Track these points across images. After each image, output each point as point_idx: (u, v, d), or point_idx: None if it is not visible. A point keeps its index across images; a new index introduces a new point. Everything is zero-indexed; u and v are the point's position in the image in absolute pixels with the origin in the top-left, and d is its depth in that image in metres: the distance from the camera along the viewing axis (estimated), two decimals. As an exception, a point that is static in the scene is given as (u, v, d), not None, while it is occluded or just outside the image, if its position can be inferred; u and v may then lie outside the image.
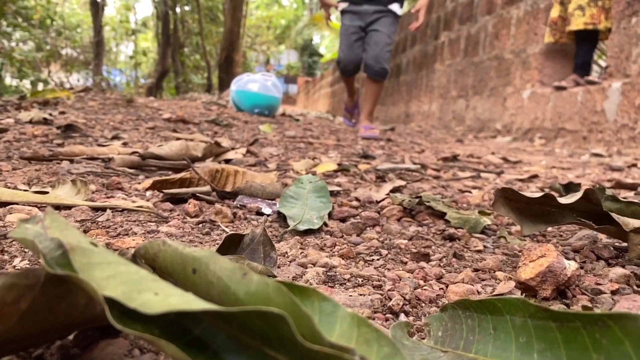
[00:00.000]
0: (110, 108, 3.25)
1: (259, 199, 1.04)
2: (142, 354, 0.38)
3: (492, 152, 2.73)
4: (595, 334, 0.29)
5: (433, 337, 0.41)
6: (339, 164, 1.67)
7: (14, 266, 0.60)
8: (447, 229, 0.89)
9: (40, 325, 0.32)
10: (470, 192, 1.38)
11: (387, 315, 0.52)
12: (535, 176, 1.74)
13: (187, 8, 15.92)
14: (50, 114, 2.47)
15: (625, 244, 0.78)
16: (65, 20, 15.76)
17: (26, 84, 10.02)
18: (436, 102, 5.92)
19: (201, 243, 0.75)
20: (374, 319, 0.51)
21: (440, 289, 0.60)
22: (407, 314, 0.53)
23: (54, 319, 0.33)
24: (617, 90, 3.07)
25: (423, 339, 0.45)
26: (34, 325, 0.32)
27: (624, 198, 0.77)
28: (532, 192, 1.11)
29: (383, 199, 1.13)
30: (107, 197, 1.01)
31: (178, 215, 0.90)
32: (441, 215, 0.98)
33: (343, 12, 3.56)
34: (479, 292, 0.59)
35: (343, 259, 0.70)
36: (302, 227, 0.83)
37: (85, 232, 0.76)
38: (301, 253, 0.72)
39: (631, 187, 1.53)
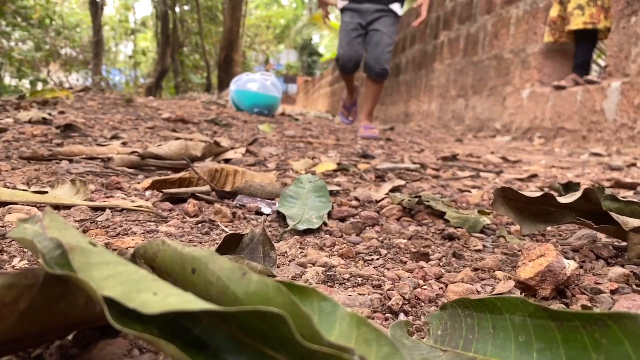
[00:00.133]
0: (110, 108, 3.25)
1: (258, 199, 1.04)
2: (141, 354, 0.38)
3: (492, 152, 2.73)
4: (595, 333, 0.29)
5: (432, 336, 0.41)
6: (338, 164, 1.67)
7: (13, 266, 0.59)
8: (447, 228, 0.89)
9: (39, 325, 0.32)
10: (469, 191, 1.38)
11: (387, 314, 0.52)
12: (534, 175, 1.74)
13: (186, 7, 15.92)
14: (50, 114, 2.47)
15: (624, 243, 0.78)
16: (64, 20, 15.75)
17: (25, 83, 10.02)
18: (435, 101, 5.92)
19: (200, 243, 0.75)
20: (373, 318, 0.51)
21: (439, 288, 0.60)
22: (406, 313, 0.53)
23: (53, 319, 0.33)
24: (616, 90, 3.07)
25: (422, 338, 0.45)
26: (33, 325, 0.32)
27: (623, 197, 0.77)
28: (532, 191, 1.11)
29: (382, 199, 1.13)
30: (107, 197, 1.01)
31: (177, 215, 0.90)
32: (440, 215, 0.98)
33: (343, 9, 3.53)
34: (478, 292, 0.59)
35: (342, 258, 0.70)
36: (301, 227, 0.83)
37: (84, 231, 0.76)
38: (300, 253, 0.72)
39: (630, 186, 1.53)
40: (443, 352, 0.38)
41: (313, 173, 1.52)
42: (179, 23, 15.36)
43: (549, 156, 2.71)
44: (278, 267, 0.65)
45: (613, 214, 0.71)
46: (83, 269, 0.29)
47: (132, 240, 0.71)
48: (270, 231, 0.84)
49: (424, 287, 0.60)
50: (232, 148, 1.82)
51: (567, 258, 0.65)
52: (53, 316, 0.32)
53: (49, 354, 0.37)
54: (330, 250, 0.74)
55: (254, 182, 1.09)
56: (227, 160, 1.62)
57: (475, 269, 0.68)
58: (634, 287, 0.61)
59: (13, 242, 0.68)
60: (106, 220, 0.82)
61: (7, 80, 10.64)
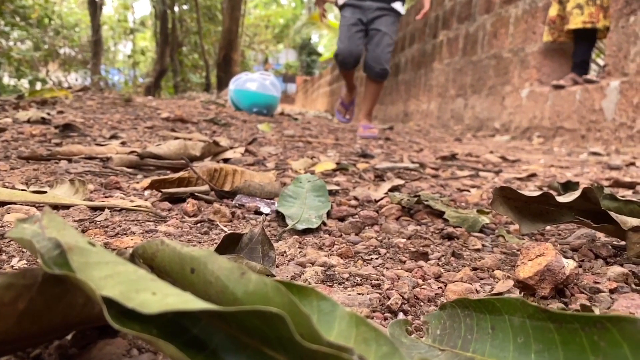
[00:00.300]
0: (109, 107, 3.25)
1: (257, 198, 1.04)
2: (140, 354, 0.38)
3: (491, 151, 2.73)
4: (594, 336, 0.29)
5: (431, 336, 0.41)
6: (337, 163, 1.67)
7: (12, 266, 0.59)
8: (446, 227, 0.89)
9: (38, 325, 0.32)
10: (468, 191, 1.38)
11: (386, 314, 0.52)
12: (533, 175, 1.74)
13: (185, 7, 15.90)
14: (49, 114, 2.47)
15: (623, 243, 0.78)
16: (63, 20, 15.73)
17: (24, 83, 10.01)
18: (435, 101, 5.93)
19: (200, 242, 0.74)
20: (372, 318, 0.51)
21: (438, 287, 0.60)
22: (405, 313, 0.53)
23: (52, 319, 0.33)
24: (615, 89, 3.08)
25: (421, 337, 0.45)
26: (31, 325, 0.32)
27: (622, 197, 0.77)
28: (531, 190, 1.11)
29: (382, 198, 1.13)
30: (106, 197, 1.01)
31: (176, 214, 0.90)
32: (440, 214, 0.98)
33: (344, 5, 3.49)
34: (477, 291, 0.59)
35: (342, 258, 0.70)
36: (300, 227, 0.83)
37: (83, 231, 0.76)
38: (300, 252, 0.72)
39: (629, 185, 1.53)
40: (441, 351, 0.38)
41: (312, 173, 1.52)
42: (178, 22, 15.35)
43: (548, 155, 2.71)
44: (277, 266, 0.65)
45: (612, 213, 0.71)
46: (82, 269, 0.29)
47: (131, 240, 0.71)
48: (269, 231, 0.84)
49: (423, 286, 0.60)
50: (231, 148, 1.82)
51: (566, 257, 0.65)
52: (52, 316, 0.32)
53: (48, 354, 0.37)
54: (330, 249, 0.74)
55: (253, 181, 1.09)
56: (226, 160, 1.61)
57: (475, 269, 0.68)
58: (633, 286, 0.61)
59: (12, 242, 0.68)
60: (105, 220, 0.82)
61: (6, 79, 10.63)
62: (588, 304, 0.53)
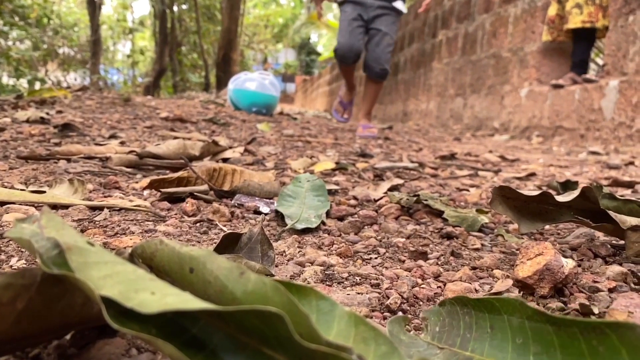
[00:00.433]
0: (108, 107, 3.25)
1: (256, 198, 1.04)
2: (139, 354, 0.38)
3: (490, 151, 2.73)
4: (593, 340, 0.29)
5: (430, 333, 0.41)
6: (336, 163, 1.67)
7: (11, 266, 0.59)
8: (445, 227, 0.89)
9: (37, 325, 0.32)
10: (468, 190, 1.38)
11: (385, 313, 0.52)
12: (532, 174, 1.74)
13: (184, 7, 15.89)
14: (48, 113, 2.47)
15: (622, 242, 0.78)
16: (62, 19, 15.70)
17: (23, 83, 10.00)
18: (434, 100, 5.93)
19: (199, 242, 0.74)
20: (371, 317, 0.51)
21: (438, 287, 0.60)
22: (404, 312, 0.53)
23: (51, 319, 0.33)
24: (614, 88, 3.08)
25: (420, 332, 0.45)
26: (30, 325, 0.32)
27: (621, 196, 0.77)
28: (530, 190, 1.11)
29: (381, 198, 1.13)
30: (105, 197, 1.00)
31: (175, 214, 0.90)
32: (439, 214, 0.98)
33: (344, 1, 3.45)
34: (476, 290, 0.59)
35: (341, 257, 0.70)
36: (300, 226, 0.83)
37: (82, 231, 0.76)
38: (299, 252, 0.72)
39: (628, 184, 1.53)
40: (440, 349, 0.38)
41: (311, 172, 1.52)
42: (177, 22, 15.34)
43: (547, 155, 2.72)
44: (276, 266, 0.65)
45: (611, 213, 0.71)
46: (81, 269, 0.29)
47: (130, 239, 0.71)
48: (268, 230, 0.84)
49: (422, 286, 0.60)
50: (231, 147, 1.82)
51: (565, 256, 0.65)
52: (51, 316, 0.32)
53: (46, 353, 0.37)
54: (329, 249, 0.74)
55: (253, 181, 1.09)
56: (225, 160, 1.61)
57: (474, 268, 0.68)
58: (632, 285, 0.61)
59: (11, 242, 0.67)
60: (104, 219, 0.82)
61: (5, 79, 10.62)
62: (587, 303, 0.53)
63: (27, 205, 0.86)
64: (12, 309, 0.30)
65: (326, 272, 0.63)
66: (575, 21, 3.38)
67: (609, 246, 0.77)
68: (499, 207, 0.79)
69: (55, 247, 0.32)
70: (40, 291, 0.31)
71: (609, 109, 3.12)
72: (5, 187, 0.98)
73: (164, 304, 0.26)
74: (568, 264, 0.58)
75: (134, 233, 0.76)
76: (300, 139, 2.56)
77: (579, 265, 0.70)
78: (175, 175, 1.10)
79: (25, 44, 11.27)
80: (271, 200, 1.03)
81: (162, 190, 1.03)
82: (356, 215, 0.96)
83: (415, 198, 1.01)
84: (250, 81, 4.37)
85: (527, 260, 0.59)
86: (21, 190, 0.95)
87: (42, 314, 0.32)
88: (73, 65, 15.54)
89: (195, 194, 1.02)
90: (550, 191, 0.75)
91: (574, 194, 0.73)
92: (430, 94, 6.05)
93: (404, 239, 0.81)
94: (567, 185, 1.12)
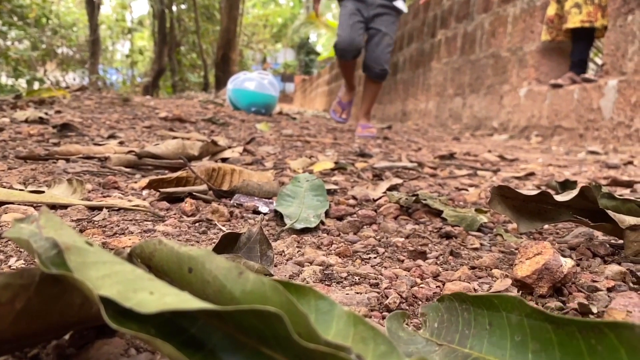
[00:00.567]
0: (107, 107, 3.24)
1: (255, 198, 1.04)
2: (138, 354, 0.38)
3: (489, 150, 2.73)
4: (591, 339, 0.29)
5: (429, 329, 0.41)
6: (335, 163, 1.67)
7: (10, 266, 0.59)
8: (444, 226, 0.89)
9: (36, 325, 0.32)
10: (466, 190, 1.38)
11: (384, 313, 0.52)
12: (531, 174, 1.74)
13: (183, 6, 15.88)
14: (46, 113, 2.47)
15: (621, 241, 0.79)
16: (60, 19, 15.68)
17: (22, 83, 9.99)
18: (433, 100, 5.93)
19: (198, 242, 0.74)
20: (370, 317, 0.51)
21: (437, 286, 0.60)
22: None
23: (50, 319, 0.33)
24: (613, 88, 3.08)
25: (419, 328, 0.45)
26: (29, 325, 0.32)
27: (620, 195, 0.77)
28: (529, 189, 1.11)
29: (380, 197, 1.13)
30: (104, 197, 1.00)
31: (174, 214, 0.90)
32: (438, 213, 0.98)
33: None
34: (475, 290, 0.59)
35: (340, 257, 0.70)
36: (299, 226, 0.83)
37: (81, 231, 0.76)
38: (298, 252, 0.72)
39: (627, 184, 1.53)
40: (439, 346, 0.38)
41: (310, 172, 1.52)
42: (176, 22, 15.33)
43: (546, 154, 2.72)
44: (275, 266, 0.65)
45: (610, 212, 0.71)
46: (79, 269, 0.29)
47: (129, 239, 0.71)
48: (267, 230, 0.84)
49: (421, 285, 0.60)
50: (230, 147, 1.82)
51: (564, 256, 0.65)
52: (49, 316, 0.32)
53: (45, 353, 0.37)
54: (328, 249, 0.74)
55: (252, 181, 1.09)
56: (224, 160, 1.61)
57: (473, 267, 0.68)
58: (631, 284, 0.61)
59: (10, 242, 0.67)
60: (103, 219, 0.82)
61: (4, 79, 10.61)
62: (586, 302, 0.53)
63: (25, 205, 0.86)
64: (11, 309, 0.30)
65: (325, 271, 0.63)
66: (574, 21, 3.39)
67: (608, 245, 0.77)
68: (498, 207, 0.79)
69: (54, 247, 0.32)
70: (39, 291, 0.31)
71: (607, 109, 3.13)
72: (4, 187, 0.98)
73: (163, 304, 0.26)
74: (567, 264, 0.58)
75: (132, 233, 0.76)
76: (299, 139, 2.56)
77: (578, 265, 0.70)
78: (174, 175, 1.10)
79: (24, 43, 11.25)
80: (270, 200, 1.03)
81: (161, 190, 1.02)
82: (355, 215, 0.96)
83: (414, 198, 1.01)
84: (249, 81, 4.37)
85: (526, 259, 0.59)
86: (20, 190, 0.95)
87: (40, 314, 0.32)
88: (72, 65, 15.52)
89: (194, 193, 1.02)
90: (549, 191, 0.75)
91: (573, 193, 0.73)
92: (429, 93, 6.05)
93: (402, 239, 0.81)
94: (566, 185, 1.12)
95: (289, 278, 0.61)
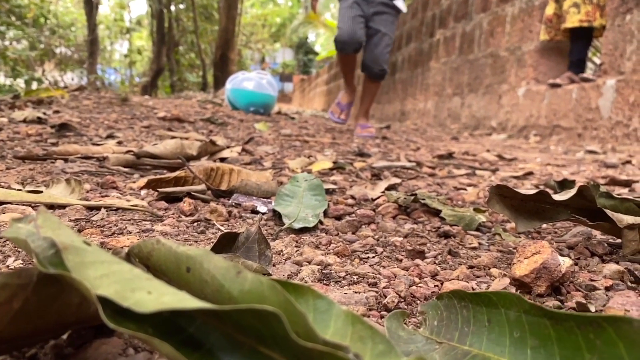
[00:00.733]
0: (105, 107, 3.24)
1: (254, 198, 1.04)
2: (136, 353, 0.38)
3: (488, 150, 2.74)
4: (590, 334, 0.29)
5: (428, 327, 0.41)
6: (334, 162, 1.67)
7: (8, 266, 0.59)
8: (442, 226, 0.89)
9: (34, 324, 0.32)
10: (465, 189, 1.38)
11: (382, 312, 0.52)
12: (530, 173, 1.75)
13: (181, 6, 15.86)
14: (45, 113, 2.46)
15: (619, 241, 0.79)
16: (59, 19, 15.66)
17: (20, 82, 9.97)
18: (431, 100, 5.93)
19: (196, 242, 0.74)
20: (369, 316, 0.51)
21: (435, 286, 0.60)
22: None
23: (47, 319, 0.33)
24: (611, 88, 3.09)
25: (418, 327, 0.45)
26: (27, 325, 0.32)
27: (618, 195, 0.77)
28: (527, 189, 1.11)
29: (378, 197, 1.13)
30: (102, 196, 1.00)
31: (173, 214, 0.90)
32: (436, 213, 0.98)
33: None
34: (473, 289, 0.59)
35: (338, 256, 0.70)
36: (297, 225, 0.83)
37: (79, 231, 0.76)
38: (296, 251, 0.72)
39: (625, 183, 1.53)
40: (439, 344, 0.38)
41: (309, 172, 1.52)
42: (174, 22, 15.31)
43: (545, 154, 2.72)
44: (274, 265, 0.65)
45: (608, 211, 0.71)
46: (77, 268, 0.29)
47: (128, 239, 0.71)
48: (266, 230, 0.84)
49: (420, 284, 0.60)
50: (228, 147, 1.82)
51: (562, 255, 0.65)
52: (47, 316, 0.32)
53: (43, 353, 0.37)
54: (326, 248, 0.74)
55: (250, 180, 1.09)
56: (222, 159, 1.61)
57: (471, 267, 0.68)
58: (629, 283, 0.61)
59: (8, 242, 0.67)
60: (101, 219, 0.82)
61: (2, 79, 10.59)
62: (584, 301, 0.53)
63: (24, 205, 0.86)
64: (9, 308, 0.30)
65: (324, 271, 0.63)
66: (572, 20, 3.39)
67: (606, 245, 0.77)
68: (496, 206, 0.79)
69: (52, 247, 0.32)
70: (37, 291, 0.31)
71: (606, 108, 3.13)
72: (2, 187, 0.98)
73: (161, 303, 0.26)
74: (565, 263, 0.58)
75: (131, 233, 0.76)
76: (297, 139, 2.56)
77: (576, 264, 0.70)
78: (173, 175, 1.10)
79: (22, 43, 11.23)
80: (269, 200, 1.03)
81: (160, 189, 1.02)
82: (354, 215, 0.96)
83: (412, 197, 1.01)
84: (247, 81, 4.37)
85: (524, 258, 0.59)
86: (18, 190, 0.95)
87: (38, 314, 0.32)
88: (70, 65, 15.49)
89: (193, 193, 1.02)
90: (548, 190, 0.75)
91: (571, 192, 0.73)
92: (428, 93, 6.05)
93: (401, 238, 0.81)
94: (564, 184, 1.12)
95: (288, 278, 0.61)
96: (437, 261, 0.71)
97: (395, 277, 0.62)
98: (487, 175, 1.71)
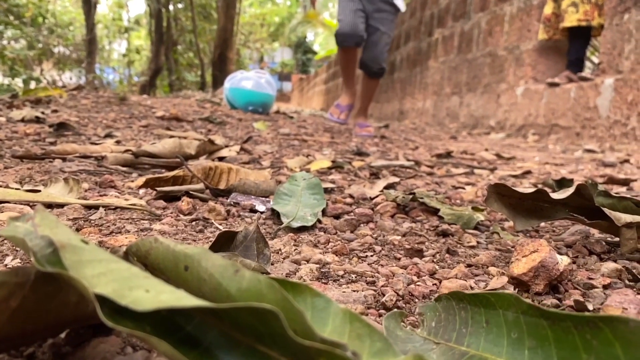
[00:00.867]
0: (103, 106, 3.24)
1: (252, 197, 1.04)
2: (134, 352, 0.38)
3: (486, 149, 2.74)
4: (586, 334, 0.30)
5: (426, 328, 0.41)
6: (333, 161, 1.67)
7: (5, 264, 0.59)
8: (441, 225, 0.89)
9: (32, 323, 0.32)
10: (463, 188, 1.38)
11: (381, 311, 0.52)
12: (528, 172, 1.75)
13: (180, 5, 15.85)
14: (43, 113, 2.46)
15: (617, 239, 0.79)
16: (57, 18, 15.63)
17: (18, 82, 9.95)
18: (430, 99, 5.93)
19: (194, 241, 0.74)
20: (367, 314, 0.51)
21: (433, 284, 0.60)
22: (400, 309, 0.53)
23: (45, 317, 0.33)
24: (609, 87, 3.09)
25: (416, 328, 0.45)
26: (25, 324, 0.32)
27: (616, 193, 0.77)
28: (525, 187, 1.12)
29: (377, 196, 1.13)
30: (100, 195, 1.00)
31: (171, 213, 0.90)
32: (435, 212, 0.98)
33: None
34: (472, 288, 0.59)
35: (337, 255, 0.70)
36: (295, 224, 0.83)
37: (77, 230, 0.76)
38: (295, 250, 0.72)
39: (623, 182, 1.54)
40: (436, 344, 0.38)
41: (307, 171, 1.52)
42: (172, 21, 15.30)
43: (543, 153, 2.72)
44: (272, 264, 0.65)
45: (606, 210, 0.71)
46: (75, 267, 0.29)
47: (126, 238, 0.71)
48: (264, 229, 0.84)
49: (418, 283, 0.60)
50: (227, 146, 1.82)
51: (560, 254, 0.66)
52: (45, 314, 0.32)
53: (41, 352, 0.37)
54: (325, 247, 0.74)
55: (248, 179, 1.09)
56: (221, 158, 1.61)
57: (469, 265, 0.68)
58: (626, 282, 0.61)
59: (6, 241, 0.67)
60: (100, 218, 0.82)
61: (0, 78, 10.57)
62: (582, 299, 0.53)
63: (22, 204, 0.86)
64: (6, 307, 0.30)
65: (322, 270, 0.63)
66: (571, 19, 3.39)
67: (604, 243, 0.77)
68: (495, 205, 0.79)
69: (49, 246, 0.32)
70: (34, 289, 0.31)
71: (604, 107, 3.13)
72: (0, 186, 0.98)
73: (159, 302, 0.26)
74: (563, 261, 0.58)
75: (129, 232, 0.76)
76: (296, 138, 2.56)
77: (574, 262, 0.70)
78: (171, 174, 1.10)
79: (20, 43, 11.21)
80: (267, 199, 1.03)
81: (158, 189, 1.02)
82: (352, 214, 0.96)
83: (411, 196, 1.01)
84: (246, 80, 4.37)
85: (523, 257, 0.59)
86: (16, 189, 0.94)
87: (36, 313, 0.32)
88: (68, 65, 15.47)
89: (191, 192, 1.02)
90: (546, 189, 0.75)
91: (569, 191, 0.73)
92: (427, 92, 6.05)
93: (399, 237, 0.81)
94: (563, 183, 1.13)
95: (286, 276, 0.61)
96: (435, 260, 0.71)
97: (394, 275, 0.62)
98: (486, 174, 1.71)
